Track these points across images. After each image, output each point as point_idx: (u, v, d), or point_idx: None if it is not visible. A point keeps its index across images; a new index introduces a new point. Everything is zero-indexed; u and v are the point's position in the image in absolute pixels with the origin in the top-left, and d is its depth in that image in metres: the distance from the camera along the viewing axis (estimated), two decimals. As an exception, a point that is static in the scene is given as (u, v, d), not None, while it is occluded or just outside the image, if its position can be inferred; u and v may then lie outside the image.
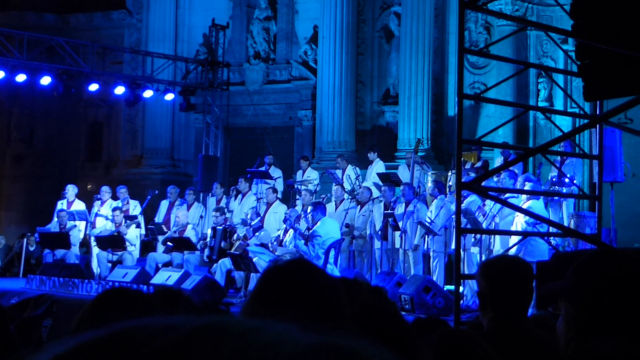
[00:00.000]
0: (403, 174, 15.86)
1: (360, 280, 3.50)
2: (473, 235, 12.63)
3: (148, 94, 19.06)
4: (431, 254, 13.60)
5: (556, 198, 13.56)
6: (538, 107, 16.44)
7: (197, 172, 19.35)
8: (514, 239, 11.91)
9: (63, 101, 20.31)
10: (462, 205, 9.12)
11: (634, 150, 15.36)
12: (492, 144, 11.89)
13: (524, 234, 10.87)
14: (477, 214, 12.82)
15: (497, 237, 12.74)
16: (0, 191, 22.93)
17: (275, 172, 17.59)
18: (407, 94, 18.08)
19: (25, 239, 18.04)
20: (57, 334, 11.93)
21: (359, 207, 14.94)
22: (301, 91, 20.64)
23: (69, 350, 0.76)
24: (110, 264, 15.39)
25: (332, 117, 19.03)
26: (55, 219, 16.77)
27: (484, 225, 12.50)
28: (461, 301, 10.13)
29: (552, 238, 11.34)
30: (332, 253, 13.37)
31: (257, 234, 14.70)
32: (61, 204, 17.21)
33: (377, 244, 14.26)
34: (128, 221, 16.05)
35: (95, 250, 16.11)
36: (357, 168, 16.77)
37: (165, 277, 13.32)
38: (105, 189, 17.40)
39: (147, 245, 16.68)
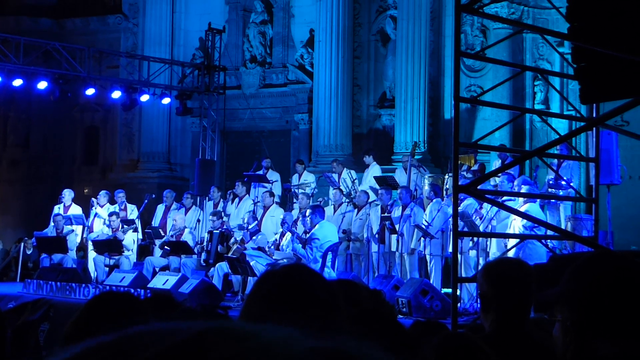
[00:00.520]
0: (400, 177, 15.86)
1: (358, 283, 3.51)
2: (470, 238, 12.63)
3: (144, 98, 19.06)
4: (428, 257, 13.60)
5: (553, 201, 13.57)
6: (534, 110, 16.45)
7: (194, 176, 19.33)
8: (511, 242, 11.92)
9: (59, 105, 20.31)
10: (459, 208, 9.13)
11: (630, 153, 15.37)
12: (488, 147, 11.90)
13: (521, 237, 10.87)
14: (474, 217, 12.82)
15: (494, 239, 12.75)
16: (-3, 196, 22.92)
17: (273, 175, 17.59)
18: (404, 97, 18.09)
19: (22, 243, 18.01)
20: (54, 338, 11.91)
21: (356, 210, 14.94)
22: (297, 95, 20.64)
23: (80, 354, 0.76)
24: (107, 268, 15.39)
25: (328, 121, 19.04)
26: (52, 224, 16.76)
27: (481, 228, 12.50)
28: (458, 304, 10.13)
29: (549, 241, 11.34)
30: (329, 256, 13.37)
31: (254, 237, 14.70)
32: (58, 208, 17.20)
33: (374, 247, 14.26)
34: (125, 226, 16.03)
35: (92, 254, 16.09)
36: (352, 172, 16.76)
37: (163, 281, 13.31)
38: (102, 194, 17.37)
39: (145, 249, 16.66)
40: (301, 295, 1.81)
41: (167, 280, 13.27)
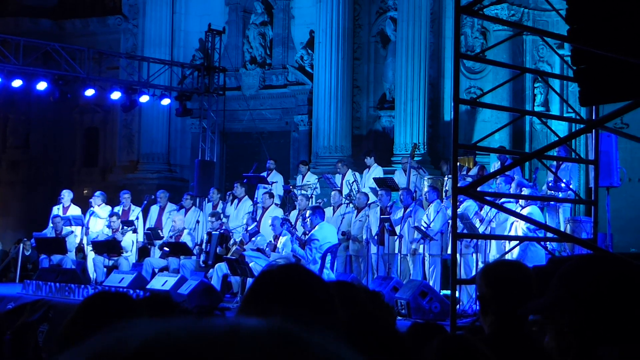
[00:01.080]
0: (399, 178, 15.86)
1: (356, 285, 3.50)
2: (469, 239, 12.63)
3: (144, 99, 19.05)
4: (427, 258, 13.60)
5: (552, 203, 13.56)
6: (534, 112, 16.44)
7: (194, 177, 19.33)
8: (511, 244, 11.91)
9: (59, 106, 20.31)
10: (458, 210, 9.12)
11: (629, 155, 15.36)
12: (488, 148, 11.90)
13: (520, 239, 10.86)
14: (473, 218, 12.82)
15: (493, 241, 12.74)
16: (-4, 196, 22.92)
17: (276, 177, 17.58)
18: (403, 98, 18.09)
19: (21, 244, 18.00)
20: (53, 339, 11.90)
21: (355, 212, 14.94)
22: (297, 96, 20.64)
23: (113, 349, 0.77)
24: (106, 269, 15.38)
25: (328, 122, 19.03)
26: (51, 225, 16.75)
27: (481, 230, 12.50)
28: (457, 306, 10.12)
29: (548, 243, 11.34)
30: (328, 258, 13.37)
31: (253, 238, 14.69)
32: (57, 209, 17.19)
33: (373, 248, 14.26)
34: (125, 227, 16.02)
35: (91, 255, 16.09)
36: (357, 173, 16.75)
37: (162, 282, 13.31)
38: (98, 194, 17.33)
39: (144, 250, 16.66)
40: (297, 295, 1.81)
41: (166, 281, 13.27)
